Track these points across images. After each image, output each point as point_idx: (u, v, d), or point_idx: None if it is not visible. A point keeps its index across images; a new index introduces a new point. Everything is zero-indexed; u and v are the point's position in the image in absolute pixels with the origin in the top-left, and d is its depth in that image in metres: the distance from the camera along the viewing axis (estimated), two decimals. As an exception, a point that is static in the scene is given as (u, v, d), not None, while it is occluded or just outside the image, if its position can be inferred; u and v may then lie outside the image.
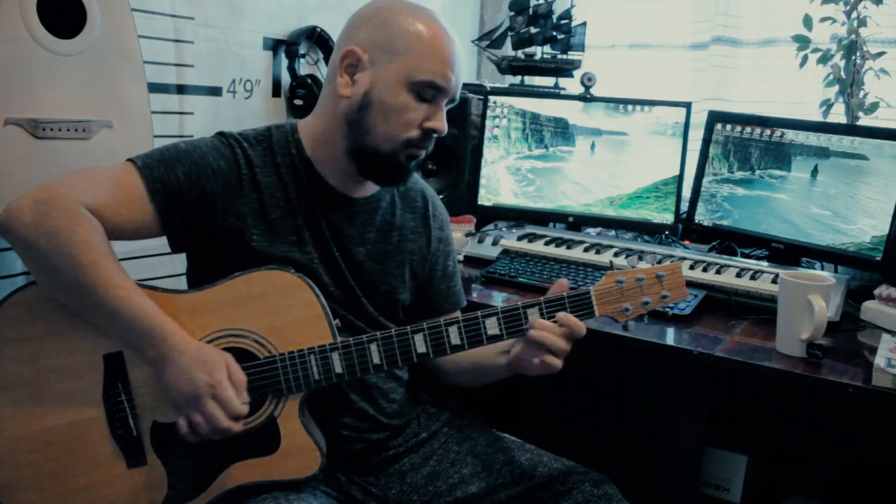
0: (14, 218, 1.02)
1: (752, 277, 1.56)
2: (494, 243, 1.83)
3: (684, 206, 1.88)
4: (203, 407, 1.02)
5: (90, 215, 1.03)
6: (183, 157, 1.13)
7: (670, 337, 1.39)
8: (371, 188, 1.24)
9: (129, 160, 1.11)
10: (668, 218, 1.87)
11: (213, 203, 1.13)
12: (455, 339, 1.11)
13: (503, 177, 2.00)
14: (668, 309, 1.16)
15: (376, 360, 1.10)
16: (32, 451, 1.06)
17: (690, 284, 1.56)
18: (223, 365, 1.04)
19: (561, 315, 1.09)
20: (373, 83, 1.13)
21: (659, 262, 1.14)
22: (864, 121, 1.75)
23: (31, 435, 1.06)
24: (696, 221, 1.85)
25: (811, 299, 1.27)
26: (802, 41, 1.80)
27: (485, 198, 2.02)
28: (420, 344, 1.10)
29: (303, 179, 1.19)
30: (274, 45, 1.87)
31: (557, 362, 1.10)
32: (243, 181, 1.15)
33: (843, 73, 1.75)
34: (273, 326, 1.09)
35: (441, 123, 1.15)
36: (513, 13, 2.20)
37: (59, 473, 1.06)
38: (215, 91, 1.75)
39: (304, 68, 1.93)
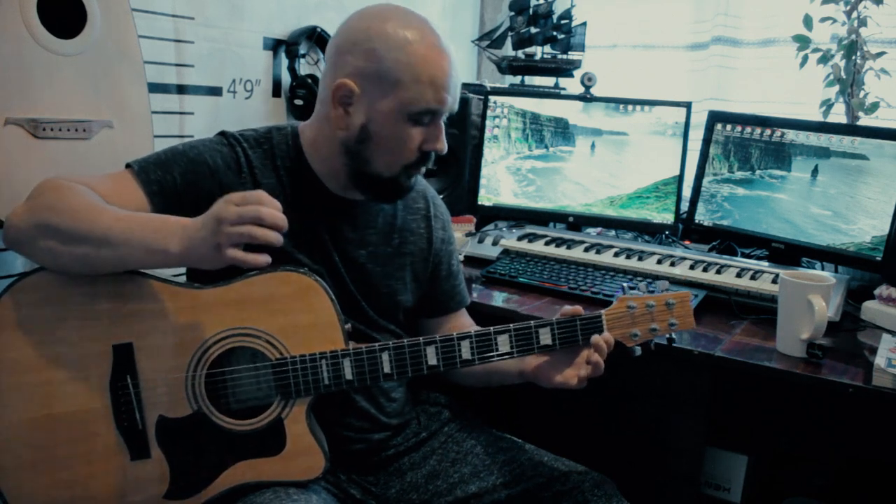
0: (11, 219, 1.03)
1: (753, 277, 1.56)
2: (494, 243, 1.83)
3: (684, 206, 1.88)
4: (230, 214, 0.96)
5: (74, 183, 1.05)
6: (179, 159, 1.13)
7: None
8: None
9: (126, 165, 1.13)
10: (669, 218, 1.87)
11: (212, 200, 1.12)
12: (466, 353, 1.11)
13: (503, 177, 2.00)
14: (673, 336, 1.17)
15: (387, 369, 1.10)
16: (36, 437, 1.05)
17: (690, 284, 1.57)
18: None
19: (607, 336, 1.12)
20: (368, 116, 1.12)
21: (668, 290, 1.17)
22: (865, 121, 1.74)
23: (36, 420, 1.05)
24: (697, 221, 1.85)
25: (811, 299, 1.27)
26: (802, 41, 1.80)
27: (485, 198, 2.02)
28: (431, 356, 1.11)
29: (302, 184, 1.19)
30: (274, 45, 1.87)
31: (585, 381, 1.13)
32: (244, 180, 1.16)
33: (843, 73, 1.75)
34: (286, 328, 1.09)
35: (441, 144, 1.16)
36: (513, 13, 2.20)
37: (62, 461, 1.06)
38: (215, 91, 1.75)
39: (304, 68, 1.93)
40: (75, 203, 1.01)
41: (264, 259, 0.98)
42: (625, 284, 1.19)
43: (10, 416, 1.05)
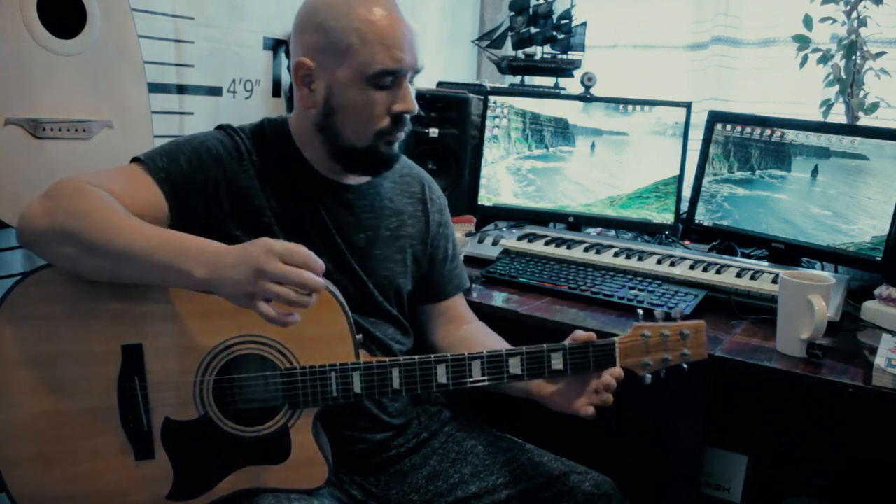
0: (27, 217, 1.02)
1: (753, 277, 1.56)
2: (494, 243, 1.83)
3: (684, 206, 1.88)
4: (273, 269, 0.92)
5: (97, 188, 1.04)
6: (183, 147, 1.15)
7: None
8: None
9: (132, 159, 1.13)
10: (669, 218, 1.87)
11: (218, 186, 1.15)
12: (477, 374, 1.11)
13: (503, 177, 2.00)
14: (684, 367, 1.15)
15: (396, 385, 1.10)
16: (42, 431, 1.05)
17: (690, 284, 1.57)
18: (264, 239, 0.97)
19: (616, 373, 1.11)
20: (329, 89, 1.14)
21: (683, 319, 1.15)
22: (864, 121, 1.74)
23: (43, 415, 1.05)
24: (697, 221, 1.85)
25: (811, 299, 1.26)
26: (802, 41, 1.80)
27: (485, 198, 2.01)
28: (441, 374, 1.10)
29: (298, 171, 1.21)
30: (274, 45, 1.87)
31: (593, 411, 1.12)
32: (245, 167, 1.18)
33: (843, 73, 1.75)
34: (297, 338, 1.08)
35: (408, 104, 1.15)
36: (513, 13, 2.20)
37: (66, 457, 1.06)
38: (215, 91, 1.75)
39: (304, 68, 1.93)
40: (97, 211, 1.01)
41: (294, 320, 0.97)
42: (640, 311, 1.17)
43: (19, 409, 1.05)
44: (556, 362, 1.11)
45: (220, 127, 1.22)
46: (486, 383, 1.11)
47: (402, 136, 1.18)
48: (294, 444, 1.09)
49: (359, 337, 1.10)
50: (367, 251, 1.24)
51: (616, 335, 1.37)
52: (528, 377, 1.11)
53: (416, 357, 1.10)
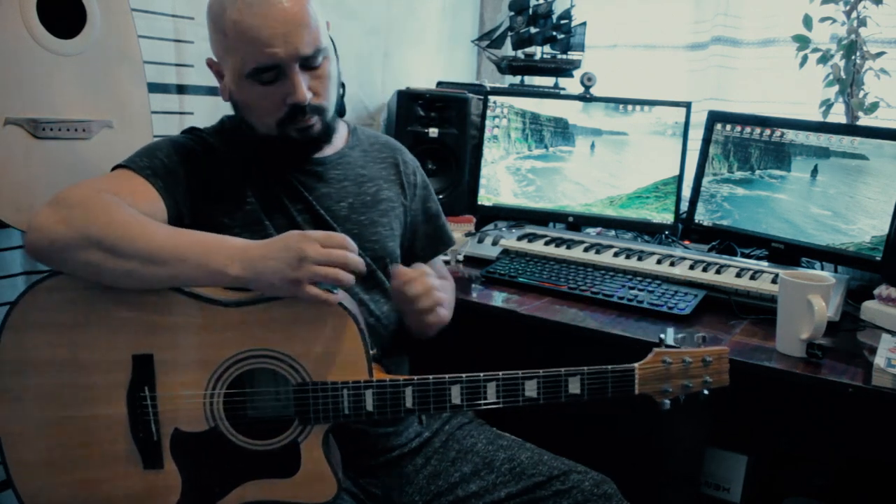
0: (40, 229, 1.01)
1: (752, 277, 1.56)
2: (494, 243, 1.83)
3: (684, 206, 1.88)
4: (315, 253, 0.99)
5: (105, 193, 1.05)
6: (159, 145, 1.19)
7: (670, 337, 1.39)
8: (334, 146, 1.28)
9: (113, 168, 1.15)
10: (668, 218, 1.87)
11: (199, 179, 1.17)
12: (491, 396, 1.09)
13: (503, 177, 2.00)
14: (704, 393, 1.13)
15: (409, 404, 1.08)
16: (52, 437, 1.05)
17: (690, 284, 1.57)
18: (295, 230, 1.03)
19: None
20: (229, 86, 1.18)
21: (704, 344, 1.13)
22: (864, 121, 1.74)
23: (54, 421, 1.05)
24: (696, 221, 1.85)
25: (811, 299, 1.27)
26: (802, 41, 1.80)
27: (485, 198, 2.02)
28: (455, 395, 1.09)
29: (265, 156, 1.23)
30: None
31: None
32: (219, 158, 1.21)
33: (843, 73, 1.75)
34: (310, 353, 1.07)
35: (297, 94, 1.13)
36: (513, 13, 2.20)
37: (75, 463, 1.06)
38: (215, 91, 1.74)
39: (304, 68, 1.92)
40: (119, 215, 1.01)
41: (337, 299, 1.02)
42: (661, 336, 1.15)
43: (30, 414, 1.05)
44: (574, 386, 1.09)
45: (184, 130, 1.26)
46: (500, 405, 1.09)
47: (310, 121, 1.17)
48: (304, 458, 1.08)
49: (373, 352, 1.09)
50: (352, 218, 1.26)
51: (615, 335, 1.37)
52: (544, 399, 1.10)
53: (431, 377, 1.09)
